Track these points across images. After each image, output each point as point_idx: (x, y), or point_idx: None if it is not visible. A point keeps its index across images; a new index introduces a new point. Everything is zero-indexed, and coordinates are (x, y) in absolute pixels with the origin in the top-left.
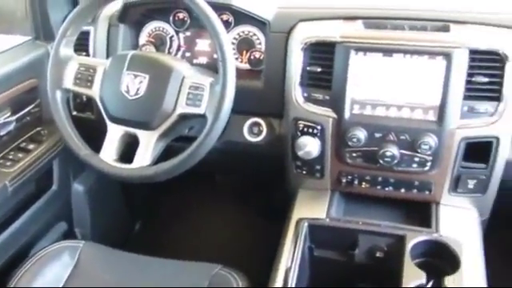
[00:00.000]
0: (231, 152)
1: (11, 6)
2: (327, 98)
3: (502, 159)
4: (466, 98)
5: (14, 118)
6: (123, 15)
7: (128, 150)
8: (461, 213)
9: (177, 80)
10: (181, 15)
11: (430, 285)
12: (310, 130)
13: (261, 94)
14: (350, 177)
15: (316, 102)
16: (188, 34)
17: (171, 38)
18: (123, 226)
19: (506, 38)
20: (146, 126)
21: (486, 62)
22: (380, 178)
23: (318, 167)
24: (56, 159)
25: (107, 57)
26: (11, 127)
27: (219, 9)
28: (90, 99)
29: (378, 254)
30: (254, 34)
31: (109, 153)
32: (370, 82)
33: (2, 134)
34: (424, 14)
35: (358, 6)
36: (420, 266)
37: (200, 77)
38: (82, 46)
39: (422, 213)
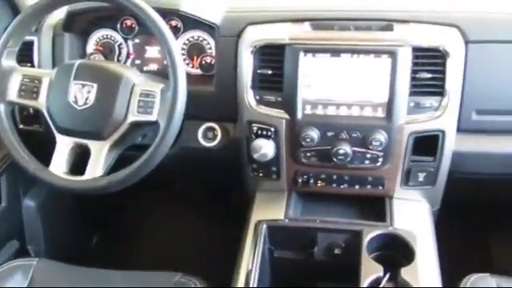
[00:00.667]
0: (187, 158)
1: None
2: (279, 99)
3: (448, 151)
4: (412, 94)
5: None
6: (68, 24)
7: (79, 161)
8: (413, 205)
9: (126, 88)
10: (129, 22)
11: (387, 277)
12: (264, 133)
13: (213, 99)
14: (305, 176)
15: (268, 104)
16: (137, 41)
17: (120, 45)
18: (79, 240)
19: (447, 36)
20: (96, 136)
21: (428, 59)
22: (335, 176)
23: (274, 169)
24: (3, 175)
25: (53, 67)
26: None
27: (167, 14)
28: (37, 111)
29: (336, 251)
30: (204, 39)
31: (59, 165)
32: (320, 83)
33: None
34: (369, 14)
35: (305, 8)
36: (377, 259)
37: (150, 84)
38: (25, 56)
39: (376, 207)
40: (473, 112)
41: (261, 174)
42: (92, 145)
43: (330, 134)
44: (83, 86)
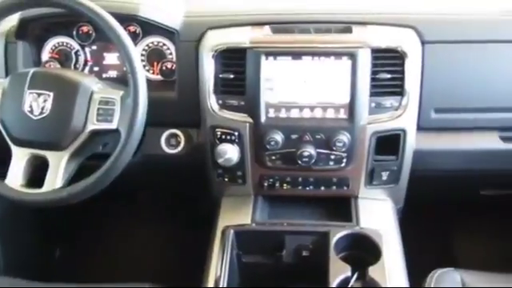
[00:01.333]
0: (150, 166)
1: None
2: (242, 103)
3: (409, 150)
4: (373, 94)
5: None
6: (21, 31)
7: (37, 173)
8: (378, 204)
9: (85, 96)
10: (85, 28)
11: (355, 276)
12: (228, 137)
13: (176, 105)
14: (271, 180)
15: (231, 108)
16: (94, 47)
17: (76, 52)
18: (41, 254)
19: (404, 37)
20: (54, 146)
21: (387, 60)
22: (300, 179)
23: (240, 173)
24: None
25: (6, 76)
26: None
27: (125, 20)
28: None
29: (304, 253)
30: (164, 45)
31: (15, 178)
32: (282, 86)
33: None
34: (328, 17)
35: (266, 11)
36: (345, 259)
37: (110, 91)
38: None
39: (343, 208)
40: (431, 111)
41: (226, 179)
42: (50, 156)
43: (294, 136)
44: (39, 95)
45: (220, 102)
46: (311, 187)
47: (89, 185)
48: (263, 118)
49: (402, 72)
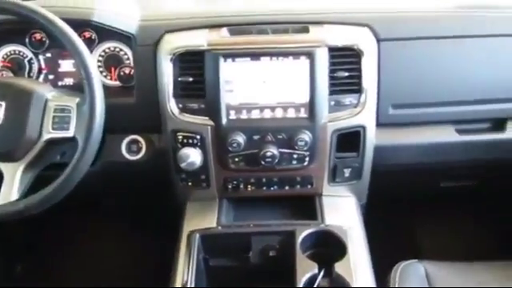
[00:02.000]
0: (112, 173)
1: None
2: (203, 106)
3: (370, 146)
4: (332, 92)
5: None
6: None
7: None
8: (342, 201)
9: (39, 104)
10: (38, 36)
11: (321, 273)
12: (190, 141)
13: (135, 110)
14: (235, 182)
15: (192, 111)
16: (48, 55)
17: (30, 60)
18: (1, 270)
19: (360, 35)
20: (8, 157)
21: (344, 58)
22: (264, 179)
23: (203, 177)
24: None
25: None
26: None
27: (79, 26)
28: None
29: (271, 253)
30: (121, 50)
31: None
32: (242, 87)
33: None
34: (285, 18)
35: (223, 13)
36: (311, 257)
37: (65, 98)
38: None
39: (307, 206)
40: (389, 107)
41: (190, 184)
42: (4, 167)
43: (256, 137)
44: None
45: (180, 105)
46: (275, 187)
47: (46, 196)
48: (224, 121)
49: (359, 70)
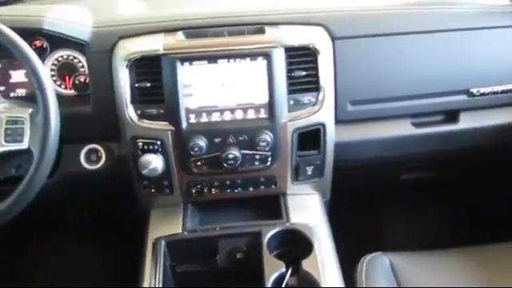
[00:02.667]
0: (72, 185)
1: None
2: (162, 111)
3: (330, 143)
4: (290, 92)
5: None
6: None
7: None
8: (306, 199)
9: None
10: None
11: (289, 272)
12: (151, 147)
13: (92, 119)
14: (199, 186)
15: (151, 117)
16: None
17: None
18: None
19: (315, 34)
20: None
21: (301, 58)
22: (228, 182)
23: (166, 182)
24: None
25: None
26: None
27: (29, 35)
28: None
29: (238, 255)
30: (75, 58)
31: None
32: (201, 90)
33: None
34: (240, 20)
35: (177, 17)
36: (279, 256)
37: (17, 109)
38: None
39: (272, 206)
40: (347, 103)
41: (153, 190)
42: None
43: (217, 140)
44: None
45: (139, 111)
46: (240, 189)
47: (1, 211)
48: (185, 125)
49: (316, 69)
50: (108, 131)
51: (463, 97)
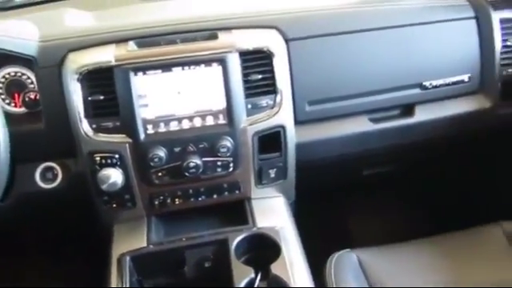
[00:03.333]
0: (28, 206)
1: None
2: (118, 124)
3: (291, 144)
4: (248, 96)
5: None
6: None
7: None
8: (271, 202)
9: None
10: None
11: (259, 277)
12: (109, 161)
13: (46, 136)
14: (161, 197)
15: (107, 130)
16: None
17: None
18: None
19: (269, 37)
20: None
21: (256, 61)
22: (191, 191)
23: (128, 196)
24: None
25: None
26: None
27: None
28: None
29: (206, 264)
30: (23, 74)
31: None
32: (157, 100)
33: None
34: (193, 26)
35: (128, 27)
36: (247, 261)
37: None
38: None
39: (238, 211)
40: (305, 104)
41: (114, 205)
42: None
43: (177, 149)
44: None
45: (94, 125)
46: (203, 197)
47: None
48: (142, 136)
49: (272, 71)
50: (63, 148)
51: (417, 90)
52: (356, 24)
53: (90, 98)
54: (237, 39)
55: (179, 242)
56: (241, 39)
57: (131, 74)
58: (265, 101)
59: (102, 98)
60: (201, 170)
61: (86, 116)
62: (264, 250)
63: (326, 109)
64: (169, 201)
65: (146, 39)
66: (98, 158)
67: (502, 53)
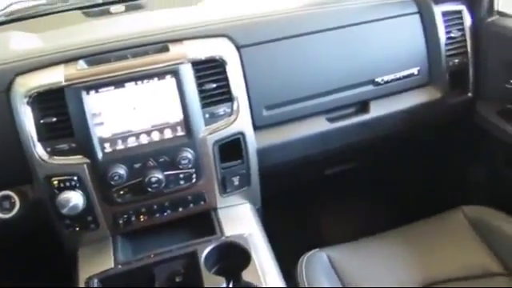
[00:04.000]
0: None
1: None
2: (73, 145)
3: (252, 150)
4: (204, 105)
5: None
6: None
7: None
8: (237, 209)
9: None
10: None
11: (231, 285)
12: (68, 184)
13: None
14: (125, 216)
15: (63, 152)
16: None
17: None
18: None
19: (220, 45)
20: None
21: (209, 70)
22: (155, 206)
23: (90, 218)
24: None
25: None
26: None
27: None
28: None
29: (177, 279)
30: None
31: None
32: (112, 117)
33: None
34: (144, 40)
35: (77, 46)
36: (219, 271)
37: None
38: None
39: (205, 222)
40: (263, 109)
41: (77, 228)
42: None
43: (137, 165)
44: None
45: (48, 149)
46: (169, 211)
47: None
48: (100, 155)
49: (226, 79)
50: (18, 175)
51: (370, 87)
52: (304, 27)
53: (42, 121)
54: (188, 50)
55: (147, 259)
56: (192, 49)
57: (83, 93)
58: (222, 109)
59: (54, 119)
60: (163, 185)
61: (40, 139)
62: (234, 258)
63: (284, 112)
64: (133, 218)
65: (95, 57)
66: (55, 182)
67: (446, 44)
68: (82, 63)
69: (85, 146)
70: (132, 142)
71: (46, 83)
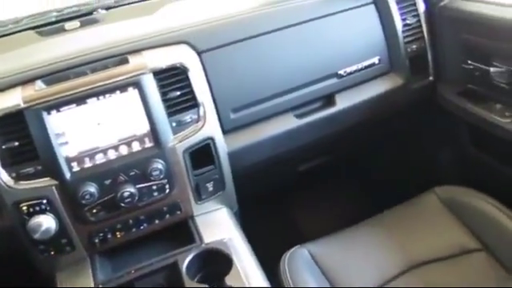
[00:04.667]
0: None
1: None
2: (39, 168)
3: (223, 154)
4: (170, 114)
5: None
6: None
7: None
8: (214, 215)
9: None
10: None
11: None
12: (38, 208)
13: None
14: (101, 234)
15: (29, 176)
16: None
17: None
18: None
19: (180, 52)
20: None
21: (171, 78)
22: (131, 221)
23: (65, 241)
24: None
25: None
26: None
27: None
28: None
29: None
30: None
31: None
32: (77, 135)
33: None
34: (102, 54)
35: (32, 66)
36: (202, 279)
37: None
38: None
39: (184, 231)
40: (230, 112)
41: (53, 253)
42: None
43: (107, 181)
44: None
45: (13, 174)
46: (145, 225)
47: None
48: (68, 175)
49: (190, 86)
50: None
51: (334, 80)
52: (262, 26)
53: (4, 147)
54: (148, 60)
55: (128, 276)
56: (152, 59)
57: (44, 114)
58: (188, 116)
59: (17, 144)
60: (137, 198)
61: (3, 165)
62: (216, 264)
63: (251, 113)
64: (109, 236)
65: (53, 75)
66: (24, 208)
67: (403, 31)
68: (39, 83)
69: (51, 167)
70: (100, 159)
71: (4, 107)
